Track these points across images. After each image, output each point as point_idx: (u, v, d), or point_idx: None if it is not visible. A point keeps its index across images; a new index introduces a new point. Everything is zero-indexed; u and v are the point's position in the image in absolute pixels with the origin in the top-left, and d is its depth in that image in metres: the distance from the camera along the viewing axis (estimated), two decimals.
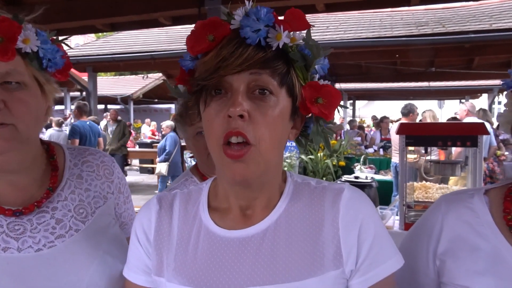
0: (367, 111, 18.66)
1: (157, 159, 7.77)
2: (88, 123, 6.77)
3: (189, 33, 0.69)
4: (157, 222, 0.77)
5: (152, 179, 9.58)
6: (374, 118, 13.25)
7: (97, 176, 0.96)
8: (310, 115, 0.73)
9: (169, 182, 7.86)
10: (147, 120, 15.50)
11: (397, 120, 8.92)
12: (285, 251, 0.69)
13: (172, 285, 0.71)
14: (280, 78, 0.66)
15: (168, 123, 8.06)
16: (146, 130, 14.98)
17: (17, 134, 0.78)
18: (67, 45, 0.88)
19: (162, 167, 7.53)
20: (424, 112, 6.28)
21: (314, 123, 0.73)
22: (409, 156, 3.11)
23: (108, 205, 0.96)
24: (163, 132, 7.84)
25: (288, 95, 0.68)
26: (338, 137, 8.21)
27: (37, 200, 0.86)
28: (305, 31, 0.69)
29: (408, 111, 5.95)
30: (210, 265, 0.70)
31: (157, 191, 8.23)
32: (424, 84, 11.50)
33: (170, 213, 0.78)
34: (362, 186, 3.51)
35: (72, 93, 13.15)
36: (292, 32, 0.66)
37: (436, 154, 5.15)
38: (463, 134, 2.61)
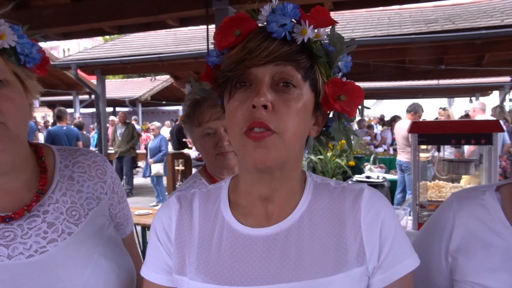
0: (375, 110, 18.54)
1: (150, 160, 7.75)
2: (65, 128, 7.03)
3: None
4: (178, 220, 0.77)
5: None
6: (381, 117, 13.16)
7: (89, 177, 0.93)
8: (331, 114, 0.74)
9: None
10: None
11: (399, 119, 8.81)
12: (309, 249, 0.70)
13: (195, 283, 0.71)
14: (304, 72, 0.67)
15: (157, 124, 8.11)
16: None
17: (7, 132, 0.75)
18: (40, 40, 0.86)
19: (159, 168, 7.58)
20: (443, 109, 6.19)
21: (336, 120, 0.74)
22: (421, 155, 3.06)
23: (101, 206, 0.93)
24: (152, 133, 7.92)
25: (312, 89, 0.69)
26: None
27: (27, 204, 0.83)
28: (329, 28, 0.70)
29: (413, 109, 5.91)
30: (234, 263, 0.71)
31: (166, 193, 8.24)
32: (433, 82, 11.38)
33: (190, 212, 0.78)
34: (374, 186, 3.47)
35: (81, 96, 13.28)
36: (316, 29, 0.67)
37: (452, 152, 5.06)
38: (477, 131, 2.56)
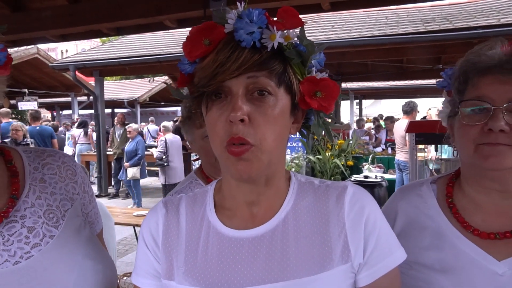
0: (373, 110, 18.57)
1: (126, 163, 7.51)
2: (38, 128, 7.48)
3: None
4: (164, 225, 0.78)
5: (160, 182, 9.61)
6: (380, 117, 13.17)
7: (60, 178, 0.92)
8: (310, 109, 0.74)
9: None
10: (151, 118, 15.34)
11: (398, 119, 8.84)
12: (295, 248, 0.71)
13: (183, 287, 0.72)
14: (278, 77, 0.67)
15: (134, 126, 7.96)
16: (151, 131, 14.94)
17: None
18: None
19: (135, 171, 7.42)
20: (429, 109, 6.23)
21: (314, 116, 0.75)
22: (419, 154, 3.07)
23: (75, 207, 0.92)
24: (129, 135, 7.73)
25: (287, 93, 0.69)
26: (346, 137, 8.16)
27: (2, 210, 0.80)
28: (298, 29, 0.69)
29: (411, 109, 5.93)
30: (221, 265, 0.71)
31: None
32: (431, 81, 11.40)
33: (177, 216, 0.78)
34: (372, 186, 3.47)
35: (79, 98, 13.27)
36: (286, 31, 0.67)
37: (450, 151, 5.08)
38: None
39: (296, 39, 0.69)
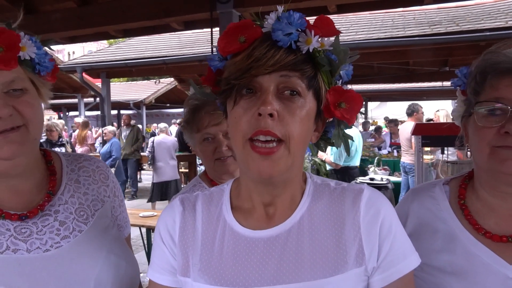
0: (379, 112, 18.48)
1: None
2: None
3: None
4: (181, 222, 0.79)
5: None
6: (385, 119, 13.10)
7: (93, 181, 1.01)
8: (331, 119, 0.75)
9: None
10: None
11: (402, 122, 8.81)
12: (309, 250, 0.71)
13: (198, 284, 0.73)
14: (308, 81, 0.69)
15: (110, 128, 7.99)
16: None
17: (28, 135, 0.81)
18: (51, 49, 0.92)
19: None
20: (437, 111, 6.19)
21: (335, 127, 0.75)
22: (425, 157, 3.06)
23: (105, 208, 1.00)
24: (105, 138, 7.76)
25: (314, 97, 0.70)
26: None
27: (39, 203, 0.89)
28: (333, 38, 0.71)
29: (412, 111, 5.90)
30: (236, 265, 0.72)
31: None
32: (438, 84, 11.33)
33: (193, 214, 0.79)
34: (377, 188, 3.46)
35: (86, 99, 13.34)
36: (321, 38, 0.68)
37: (453, 153, 5.05)
38: None
39: (329, 47, 0.70)
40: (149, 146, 6.97)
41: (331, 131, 0.76)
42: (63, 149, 5.95)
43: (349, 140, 0.76)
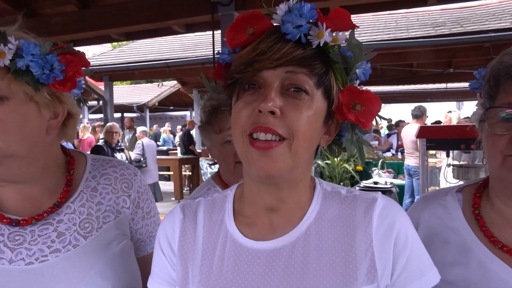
0: (382, 114, 18.39)
1: None
2: None
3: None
4: (181, 231, 0.75)
5: (168, 186, 9.63)
6: (389, 121, 13.03)
7: (113, 190, 0.93)
8: (345, 122, 0.69)
9: None
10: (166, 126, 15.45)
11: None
12: (316, 264, 0.66)
13: None
14: (317, 78, 0.63)
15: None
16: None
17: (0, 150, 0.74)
18: (75, 51, 0.83)
19: None
20: (449, 112, 6.13)
21: (349, 131, 0.69)
22: (430, 160, 3.02)
23: (120, 220, 0.93)
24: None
25: (325, 97, 0.65)
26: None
27: (45, 211, 0.85)
28: (348, 32, 0.65)
29: (421, 113, 5.84)
30: (236, 278, 0.68)
31: (173, 198, 8.25)
32: (442, 85, 11.27)
33: (194, 222, 0.75)
34: (381, 192, 3.42)
35: (89, 102, 13.37)
36: (335, 32, 0.63)
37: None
38: None
39: (344, 43, 0.65)
40: (138, 149, 6.97)
41: (345, 135, 0.69)
42: (123, 155, 5.63)
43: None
